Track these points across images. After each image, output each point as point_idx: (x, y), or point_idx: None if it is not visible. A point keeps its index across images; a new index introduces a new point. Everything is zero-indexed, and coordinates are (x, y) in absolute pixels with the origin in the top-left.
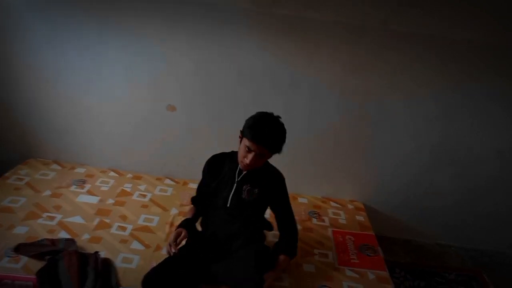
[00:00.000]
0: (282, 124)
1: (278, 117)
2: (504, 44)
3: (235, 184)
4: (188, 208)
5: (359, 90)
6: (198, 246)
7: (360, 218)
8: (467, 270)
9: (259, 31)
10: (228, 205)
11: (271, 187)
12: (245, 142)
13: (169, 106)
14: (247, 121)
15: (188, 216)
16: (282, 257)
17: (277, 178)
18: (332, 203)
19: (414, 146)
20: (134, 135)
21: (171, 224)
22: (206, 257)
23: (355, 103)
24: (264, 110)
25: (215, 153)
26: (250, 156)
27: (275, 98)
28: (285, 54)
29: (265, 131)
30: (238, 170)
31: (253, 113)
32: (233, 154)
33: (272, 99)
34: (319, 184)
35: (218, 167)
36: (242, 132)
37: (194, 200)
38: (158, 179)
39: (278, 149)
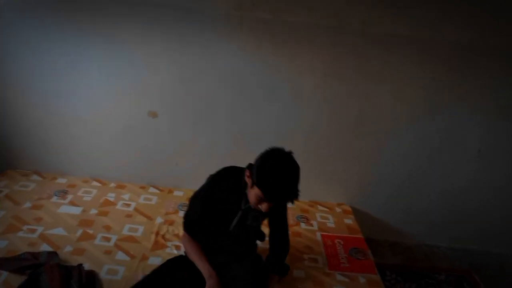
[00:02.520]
0: (297, 169)
1: (291, 154)
2: (483, 43)
3: (241, 212)
4: (189, 243)
5: (341, 92)
6: (187, 261)
7: (348, 221)
8: (457, 270)
9: (239, 35)
10: (230, 230)
11: (276, 208)
12: (258, 192)
13: (150, 112)
14: (259, 171)
15: (203, 257)
16: (275, 278)
17: None
18: (320, 207)
19: (398, 147)
20: (115, 143)
21: (157, 233)
22: (197, 274)
23: (338, 105)
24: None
25: (215, 173)
26: (266, 205)
27: (257, 102)
28: (266, 58)
29: (282, 192)
30: (245, 197)
31: (234, 119)
32: (236, 174)
33: (254, 103)
34: (306, 188)
35: (222, 193)
36: (251, 174)
37: (193, 231)
38: (142, 187)
39: (296, 198)
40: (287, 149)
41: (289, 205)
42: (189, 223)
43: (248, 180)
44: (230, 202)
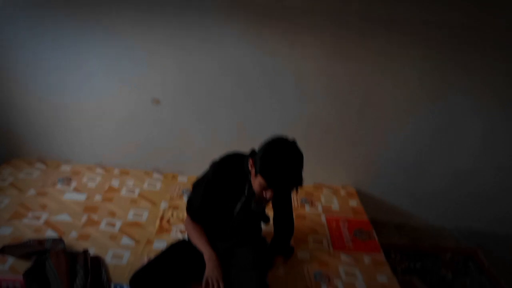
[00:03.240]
0: (301, 158)
1: (294, 142)
2: (481, 25)
3: (244, 198)
4: (191, 227)
5: (345, 75)
6: (191, 247)
7: (353, 203)
8: (462, 250)
9: (240, 20)
10: (234, 216)
11: (279, 194)
12: (261, 181)
13: (154, 99)
14: (263, 160)
15: (203, 239)
16: (280, 259)
17: None
18: (325, 189)
19: (403, 129)
20: (119, 130)
21: (161, 218)
22: (200, 258)
23: (342, 88)
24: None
25: (218, 159)
26: (270, 193)
27: (259, 88)
28: (268, 43)
29: (286, 181)
30: (248, 183)
31: (237, 106)
32: (239, 160)
33: (256, 89)
34: (311, 171)
35: (225, 178)
36: (254, 163)
37: (196, 216)
38: (146, 173)
39: (299, 186)
40: (290, 137)
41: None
42: (192, 209)
43: (252, 169)
44: (234, 188)
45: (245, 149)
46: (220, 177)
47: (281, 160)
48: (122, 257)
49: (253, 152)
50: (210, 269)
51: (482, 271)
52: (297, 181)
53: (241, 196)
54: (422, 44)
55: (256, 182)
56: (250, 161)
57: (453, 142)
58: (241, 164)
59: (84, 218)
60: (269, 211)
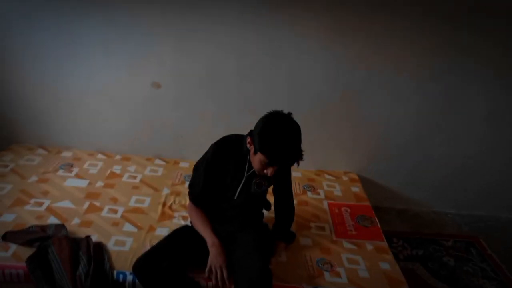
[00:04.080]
0: (298, 129)
1: (290, 115)
2: (489, 4)
3: (244, 179)
4: (194, 212)
5: (345, 57)
6: (193, 232)
7: (355, 189)
8: (464, 236)
9: (237, 5)
10: (235, 198)
11: (279, 174)
12: (262, 157)
13: (154, 83)
14: (261, 136)
15: (206, 225)
16: (281, 244)
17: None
18: (327, 176)
19: (405, 114)
20: (120, 116)
21: (163, 204)
22: (203, 243)
23: (342, 70)
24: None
25: (216, 141)
26: (271, 170)
27: (259, 69)
28: (267, 23)
29: (286, 154)
30: (248, 163)
31: (238, 89)
32: (238, 141)
33: (256, 71)
34: (312, 157)
35: (224, 160)
36: (252, 140)
37: (198, 201)
38: (148, 159)
39: (300, 159)
40: (285, 111)
41: (295, 166)
42: (194, 192)
43: (250, 147)
44: (234, 170)
45: (247, 132)
46: (220, 158)
47: (279, 133)
48: (125, 243)
49: (250, 132)
50: (214, 256)
51: (483, 258)
52: (297, 154)
53: (242, 178)
54: (423, 25)
55: (256, 159)
56: (248, 139)
57: (457, 127)
58: (239, 145)
59: (86, 205)
60: (270, 198)
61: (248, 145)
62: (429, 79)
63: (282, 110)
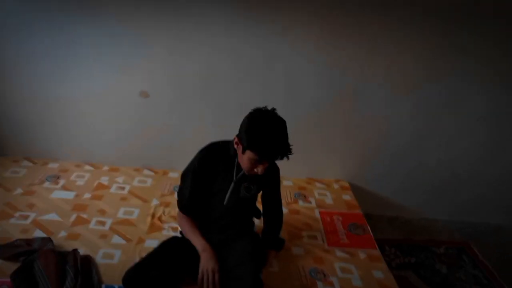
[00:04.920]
0: (284, 123)
1: (274, 111)
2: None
3: (233, 183)
4: (183, 221)
5: (336, 62)
6: (184, 243)
7: (346, 197)
8: (456, 243)
9: (231, 6)
10: (224, 203)
11: (268, 179)
12: (251, 155)
13: (142, 92)
14: (249, 133)
15: (196, 232)
16: (272, 253)
17: (274, 170)
18: (318, 184)
19: (395, 120)
20: (107, 125)
21: (152, 216)
22: (193, 253)
23: (333, 76)
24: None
25: (203, 147)
26: (261, 167)
27: (251, 76)
28: (259, 29)
29: (275, 148)
30: (235, 168)
31: (230, 97)
32: (224, 147)
33: (248, 78)
34: (302, 165)
35: (211, 165)
36: (240, 139)
37: (187, 209)
38: (136, 170)
39: (289, 153)
40: (268, 106)
41: (284, 174)
42: (182, 201)
43: (238, 147)
44: (222, 175)
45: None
46: (206, 164)
47: (266, 128)
48: (113, 256)
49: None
50: (205, 260)
51: (475, 264)
52: (286, 147)
53: (230, 182)
54: (418, 27)
55: (245, 158)
56: (235, 139)
57: (448, 134)
58: (226, 150)
59: (73, 217)
60: (260, 206)
61: (235, 146)
62: (421, 85)
63: (266, 106)
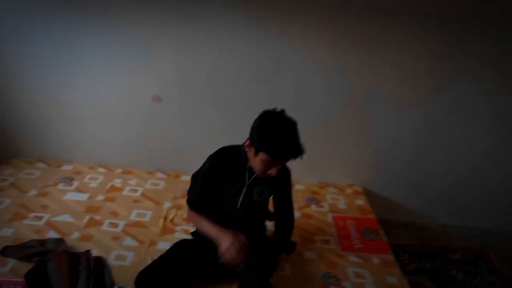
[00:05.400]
0: (295, 124)
1: (283, 112)
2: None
3: (246, 187)
4: (194, 216)
5: (348, 69)
6: (195, 245)
7: (360, 202)
8: (472, 249)
9: (240, 13)
10: (237, 208)
11: (279, 181)
12: (264, 157)
13: (155, 96)
14: (261, 135)
15: (211, 223)
16: (284, 256)
17: (286, 173)
18: (330, 188)
19: (410, 124)
20: (121, 128)
21: (165, 218)
22: (205, 256)
23: (346, 82)
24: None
25: (213, 152)
26: (275, 169)
27: (260, 82)
28: (269, 36)
29: (288, 148)
30: (248, 171)
31: (241, 100)
32: (235, 151)
33: (257, 83)
34: (315, 170)
35: (222, 171)
36: (252, 141)
37: (197, 206)
38: (149, 172)
39: (302, 153)
40: (277, 108)
41: (296, 178)
42: (192, 201)
43: (250, 150)
44: (233, 180)
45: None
46: (218, 169)
47: (278, 129)
48: (126, 258)
49: (247, 139)
50: (234, 234)
51: (492, 271)
52: (298, 147)
53: (242, 188)
54: (426, 34)
55: (257, 161)
56: (247, 142)
57: (462, 138)
58: (237, 154)
59: (86, 219)
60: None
61: (246, 149)
62: (433, 89)
63: (275, 108)
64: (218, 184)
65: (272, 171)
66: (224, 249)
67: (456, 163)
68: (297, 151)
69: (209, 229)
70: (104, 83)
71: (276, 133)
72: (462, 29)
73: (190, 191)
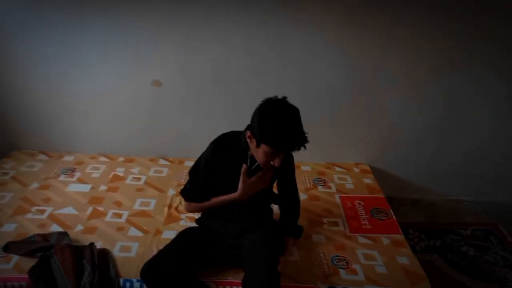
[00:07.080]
0: (297, 112)
1: (285, 100)
2: None
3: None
4: (193, 205)
5: (355, 46)
6: (201, 233)
7: (367, 181)
8: (483, 224)
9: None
10: None
11: (282, 167)
12: (266, 148)
13: (154, 81)
14: (262, 126)
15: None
16: (291, 241)
17: (289, 158)
18: (337, 168)
19: (417, 101)
20: (122, 117)
21: (169, 206)
22: (210, 244)
23: (353, 60)
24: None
25: (213, 139)
26: (278, 160)
27: (266, 64)
28: (274, 18)
29: (291, 139)
30: (249, 158)
31: (243, 84)
32: (237, 137)
33: (263, 67)
34: (321, 150)
35: (224, 157)
36: (252, 133)
37: (195, 195)
38: (151, 160)
39: (305, 143)
40: (279, 96)
41: (299, 158)
42: (191, 190)
43: (251, 141)
44: (235, 167)
45: None
46: (219, 156)
47: (280, 119)
48: (131, 249)
49: (248, 126)
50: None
51: (504, 246)
52: (302, 137)
53: None
54: (437, 14)
55: (260, 152)
56: (248, 133)
57: (471, 112)
58: (237, 141)
59: (89, 210)
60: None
61: (248, 140)
62: (441, 68)
63: (276, 96)
64: (220, 170)
65: (276, 162)
66: (243, 193)
67: (465, 138)
68: (300, 141)
69: (217, 202)
70: (105, 71)
71: (278, 124)
72: (476, 7)
73: (188, 182)
